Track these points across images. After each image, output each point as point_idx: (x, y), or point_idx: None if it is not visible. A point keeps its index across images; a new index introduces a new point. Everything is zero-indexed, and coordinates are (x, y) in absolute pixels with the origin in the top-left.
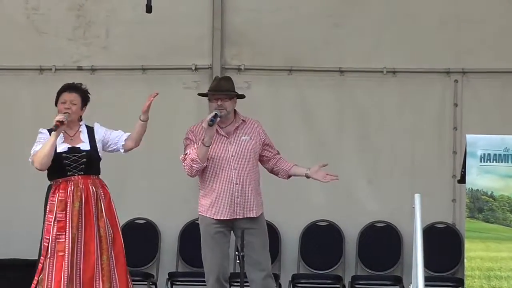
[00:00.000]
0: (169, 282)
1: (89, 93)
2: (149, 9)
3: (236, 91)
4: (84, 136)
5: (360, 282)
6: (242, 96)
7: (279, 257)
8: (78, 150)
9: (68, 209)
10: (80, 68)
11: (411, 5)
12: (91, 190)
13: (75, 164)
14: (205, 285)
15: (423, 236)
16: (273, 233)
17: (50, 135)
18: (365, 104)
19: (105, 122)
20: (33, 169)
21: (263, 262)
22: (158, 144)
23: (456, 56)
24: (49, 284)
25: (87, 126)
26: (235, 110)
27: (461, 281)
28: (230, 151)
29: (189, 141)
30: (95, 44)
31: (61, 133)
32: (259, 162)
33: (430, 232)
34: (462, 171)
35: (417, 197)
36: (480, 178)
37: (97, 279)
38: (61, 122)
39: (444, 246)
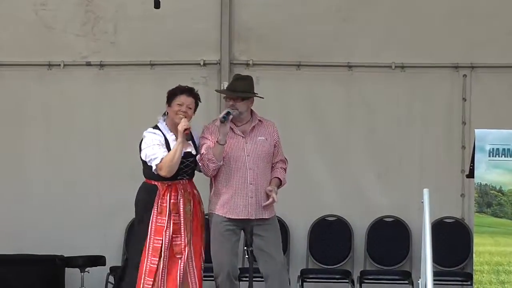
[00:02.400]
0: None
1: (200, 100)
2: (157, 4)
3: (254, 91)
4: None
5: (369, 277)
6: (259, 96)
7: (288, 252)
8: (190, 155)
9: (181, 212)
10: (88, 64)
11: (419, 0)
12: (196, 194)
13: (186, 169)
14: (212, 280)
15: (432, 231)
16: (282, 228)
17: (161, 134)
18: (373, 99)
19: (114, 118)
20: (43, 166)
21: (277, 256)
22: None
23: (465, 51)
24: (162, 285)
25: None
26: (251, 110)
27: (470, 276)
28: (246, 150)
29: (205, 139)
30: (104, 39)
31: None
32: None
33: (439, 227)
34: (470, 165)
35: (425, 192)
36: (488, 173)
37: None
38: (186, 130)
39: (453, 241)
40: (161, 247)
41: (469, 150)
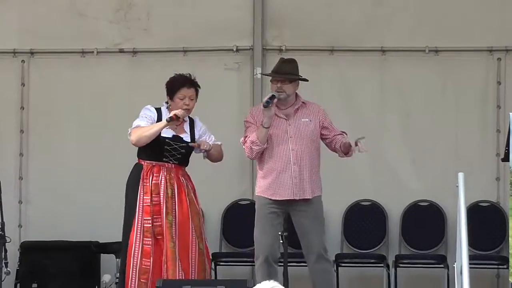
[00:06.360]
0: (212, 263)
1: (199, 86)
2: None
3: (299, 73)
4: (186, 127)
5: (404, 261)
6: (305, 79)
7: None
8: (180, 140)
9: (161, 194)
10: (121, 51)
11: None
12: (181, 180)
13: (173, 152)
14: (248, 265)
15: (467, 215)
16: None
17: (156, 113)
18: (407, 83)
19: (147, 104)
20: (78, 153)
21: (315, 244)
22: None
23: (499, 34)
24: (149, 264)
25: (188, 117)
26: (296, 93)
27: (505, 259)
28: (289, 132)
29: (249, 123)
30: (136, 26)
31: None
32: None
33: (474, 210)
34: (506, 149)
35: (460, 175)
36: None
37: (193, 266)
38: (177, 118)
39: (488, 224)
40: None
41: (504, 134)
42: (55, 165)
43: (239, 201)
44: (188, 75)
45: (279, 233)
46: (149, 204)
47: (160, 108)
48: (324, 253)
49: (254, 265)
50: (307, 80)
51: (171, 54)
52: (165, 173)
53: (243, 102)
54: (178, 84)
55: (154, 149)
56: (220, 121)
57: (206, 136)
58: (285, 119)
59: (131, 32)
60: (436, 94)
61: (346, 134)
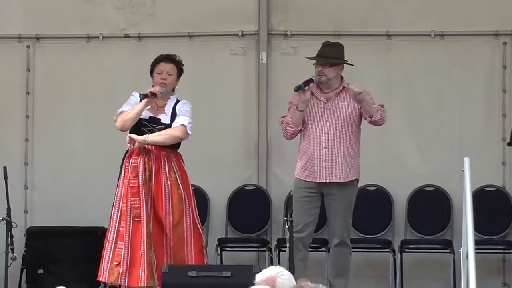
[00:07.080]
0: (218, 248)
1: (183, 65)
2: None
3: (343, 58)
4: (169, 108)
5: (410, 246)
6: (350, 64)
7: (329, 223)
8: (157, 121)
9: (140, 176)
10: (127, 36)
11: None
12: (162, 162)
13: (151, 134)
14: (254, 250)
15: (472, 200)
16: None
17: (139, 98)
18: (412, 68)
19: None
20: (83, 139)
21: (338, 229)
22: (205, 111)
23: (505, 18)
24: (126, 247)
25: (177, 100)
26: (341, 77)
27: (511, 244)
28: (325, 116)
29: (290, 104)
30: (142, 11)
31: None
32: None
33: (479, 195)
34: (511, 133)
35: (466, 160)
36: None
37: (168, 250)
38: (153, 94)
39: (494, 209)
40: (126, 209)
41: (510, 118)
42: (61, 150)
43: (244, 187)
44: (169, 54)
45: (284, 218)
46: (127, 187)
47: (146, 94)
48: (346, 238)
49: (260, 251)
50: (352, 65)
51: (176, 39)
52: (143, 156)
53: (249, 87)
54: (156, 61)
55: (133, 132)
56: (225, 106)
57: (179, 115)
58: (325, 103)
59: (137, 17)
60: (442, 78)
61: (382, 106)
